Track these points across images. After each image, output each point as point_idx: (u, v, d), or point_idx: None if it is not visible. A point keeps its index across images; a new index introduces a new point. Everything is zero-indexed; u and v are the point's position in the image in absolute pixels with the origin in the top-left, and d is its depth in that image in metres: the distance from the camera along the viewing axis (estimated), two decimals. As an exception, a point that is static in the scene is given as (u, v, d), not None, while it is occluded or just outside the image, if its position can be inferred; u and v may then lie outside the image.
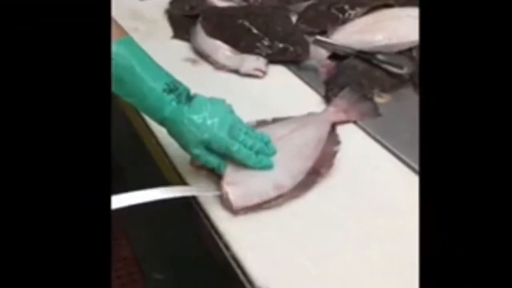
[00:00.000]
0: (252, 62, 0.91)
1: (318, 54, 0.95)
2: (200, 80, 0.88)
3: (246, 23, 0.97)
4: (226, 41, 0.96)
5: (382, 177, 0.71)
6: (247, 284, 0.57)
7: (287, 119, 0.76)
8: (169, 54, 0.94)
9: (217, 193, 0.65)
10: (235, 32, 0.97)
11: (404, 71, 0.88)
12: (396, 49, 0.92)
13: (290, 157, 0.69)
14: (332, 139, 0.74)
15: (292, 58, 0.94)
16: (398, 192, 0.67)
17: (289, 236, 0.61)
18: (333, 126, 0.76)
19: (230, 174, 0.65)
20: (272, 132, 0.71)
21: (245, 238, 0.61)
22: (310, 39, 0.97)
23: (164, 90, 0.62)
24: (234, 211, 0.62)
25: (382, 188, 0.69)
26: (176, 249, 1.28)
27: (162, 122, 0.64)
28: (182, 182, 0.70)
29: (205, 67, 0.94)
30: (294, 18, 1.03)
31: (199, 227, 0.66)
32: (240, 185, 0.64)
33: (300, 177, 0.66)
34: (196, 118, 0.62)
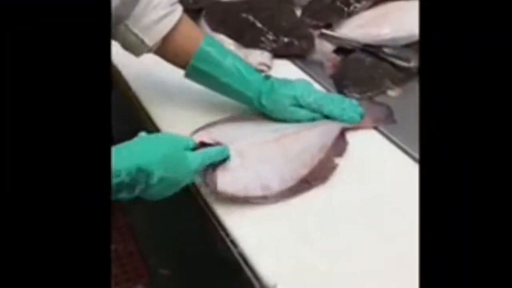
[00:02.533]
0: (257, 56, 0.90)
1: (324, 48, 0.94)
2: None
3: (250, 17, 0.96)
4: (230, 35, 0.95)
5: (390, 172, 0.70)
6: (254, 280, 0.56)
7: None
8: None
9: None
10: (239, 26, 0.96)
11: (412, 64, 0.87)
12: (403, 42, 0.91)
13: (287, 161, 0.67)
14: (337, 147, 0.71)
15: (297, 52, 0.93)
16: (406, 187, 0.66)
17: (297, 233, 0.61)
18: (342, 131, 0.74)
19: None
20: (283, 129, 0.72)
21: (253, 235, 0.60)
22: (315, 32, 0.96)
23: (255, 70, 0.76)
24: (217, 194, 0.63)
25: (390, 183, 0.68)
26: (182, 245, 1.27)
27: (258, 96, 0.73)
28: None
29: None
30: (298, 12, 1.02)
31: (205, 223, 0.66)
32: (230, 172, 0.64)
33: (290, 183, 0.65)
34: (285, 87, 0.74)
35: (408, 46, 0.91)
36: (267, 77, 0.75)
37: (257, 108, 0.75)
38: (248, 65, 0.75)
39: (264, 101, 0.73)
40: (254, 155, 0.67)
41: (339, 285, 0.56)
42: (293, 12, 1.01)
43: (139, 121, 0.84)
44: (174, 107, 0.81)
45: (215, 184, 0.63)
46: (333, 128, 0.73)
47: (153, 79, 0.85)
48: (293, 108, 0.73)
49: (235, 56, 0.75)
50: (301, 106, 0.74)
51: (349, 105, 0.76)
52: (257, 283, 0.56)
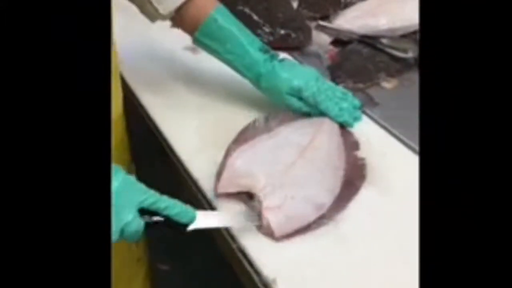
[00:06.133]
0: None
1: (321, 40, 0.93)
2: (200, 68, 0.87)
3: (247, 10, 0.95)
4: (226, 28, 0.94)
5: (390, 164, 0.69)
6: (253, 275, 0.56)
7: (288, 124, 0.72)
8: (169, 42, 0.92)
9: (256, 223, 0.59)
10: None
11: (409, 55, 0.87)
12: (400, 33, 0.91)
13: (321, 170, 0.65)
14: (349, 140, 0.71)
15: (295, 45, 0.93)
16: (405, 179, 0.66)
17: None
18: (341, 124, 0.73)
19: (268, 196, 0.60)
20: (289, 140, 0.69)
21: (252, 230, 0.60)
22: (312, 24, 0.96)
23: (260, 49, 0.73)
24: (276, 238, 0.58)
25: (389, 174, 0.68)
26: (182, 240, 1.27)
27: (257, 78, 0.73)
28: (195, 186, 0.68)
29: (205, 55, 0.92)
30: (295, 4, 1.02)
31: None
32: (280, 209, 0.59)
33: (336, 190, 0.63)
34: (288, 73, 0.73)
35: (405, 36, 0.90)
36: (272, 57, 0.73)
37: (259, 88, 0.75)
38: (256, 42, 0.74)
39: (262, 84, 0.73)
40: (289, 180, 0.62)
41: (339, 279, 0.55)
42: (290, 4, 1.01)
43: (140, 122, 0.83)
44: (177, 109, 0.80)
45: (271, 230, 0.58)
46: (334, 127, 0.72)
47: (156, 82, 0.85)
48: (289, 97, 0.73)
49: (242, 30, 0.74)
50: (299, 97, 0.73)
51: (347, 108, 0.74)
52: (257, 277, 0.56)
